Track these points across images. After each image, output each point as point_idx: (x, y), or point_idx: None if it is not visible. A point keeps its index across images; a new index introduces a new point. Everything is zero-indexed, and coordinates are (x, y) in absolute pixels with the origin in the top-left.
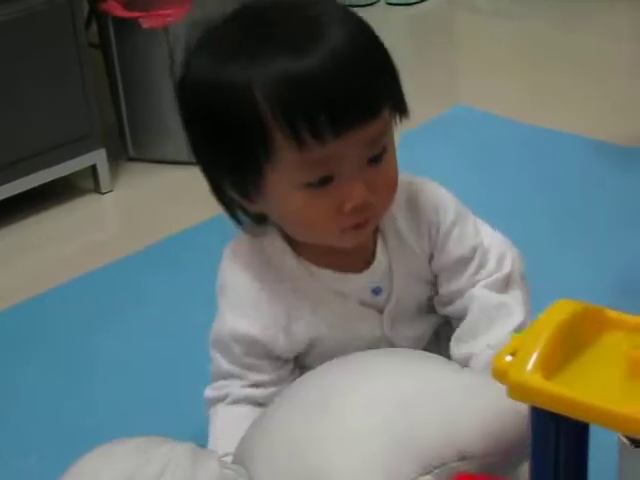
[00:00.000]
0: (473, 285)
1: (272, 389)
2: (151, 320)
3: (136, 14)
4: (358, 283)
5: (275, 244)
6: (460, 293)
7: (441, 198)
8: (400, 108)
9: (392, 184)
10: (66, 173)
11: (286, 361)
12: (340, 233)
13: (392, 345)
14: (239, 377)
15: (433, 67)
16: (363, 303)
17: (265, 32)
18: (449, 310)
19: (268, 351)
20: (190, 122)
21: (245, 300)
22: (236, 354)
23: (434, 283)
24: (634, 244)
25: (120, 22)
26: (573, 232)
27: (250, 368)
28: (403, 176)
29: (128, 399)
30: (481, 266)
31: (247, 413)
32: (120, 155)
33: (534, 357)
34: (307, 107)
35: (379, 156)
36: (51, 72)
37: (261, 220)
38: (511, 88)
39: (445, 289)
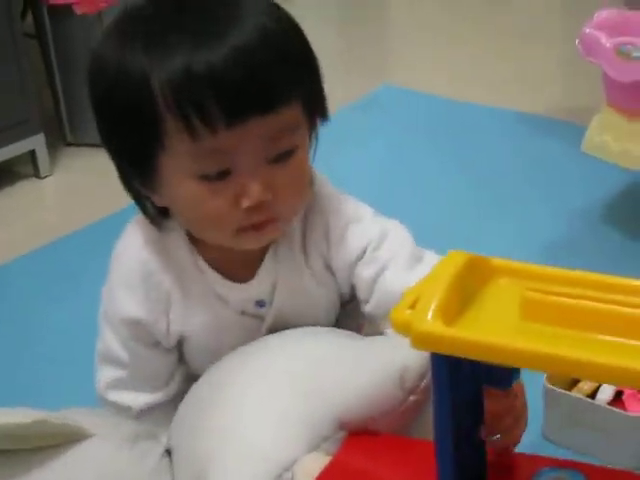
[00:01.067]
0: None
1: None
2: (90, 296)
3: (70, 1)
4: (240, 294)
5: (174, 234)
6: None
7: (329, 211)
8: (316, 107)
9: (298, 188)
10: (5, 158)
11: (168, 350)
12: (236, 233)
13: None
14: (122, 366)
15: (363, 43)
16: (244, 313)
17: (174, 19)
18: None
19: (150, 334)
20: (96, 107)
21: (136, 278)
22: (122, 335)
23: (342, 304)
24: (550, 209)
25: (55, 10)
26: (496, 202)
27: (133, 352)
28: None
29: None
30: (372, 260)
31: None
32: (58, 140)
33: (433, 306)
34: (198, 95)
35: (283, 156)
36: None
37: (166, 214)
38: (435, 64)
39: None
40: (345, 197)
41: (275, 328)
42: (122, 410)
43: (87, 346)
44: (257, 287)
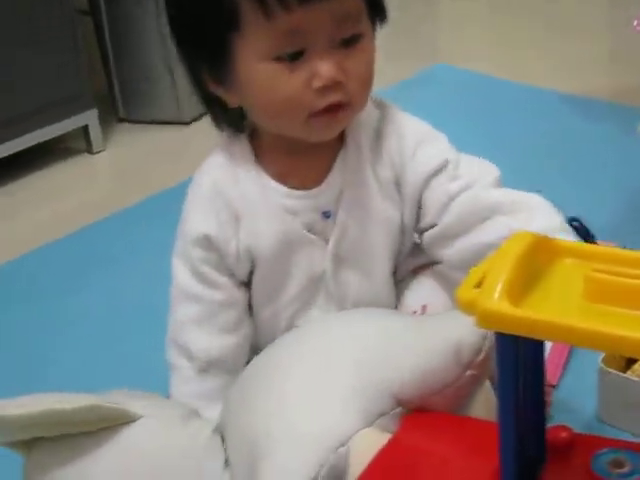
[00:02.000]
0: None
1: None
2: (144, 270)
3: None
4: (307, 202)
5: (240, 148)
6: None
7: (404, 124)
8: (376, 6)
9: (366, 74)
10: (59, 133)
11: (239, 283)
12: (308, 118)
13: (336, 291)
14: (196, 299)
15: (415, 25)
16: (311, 228)
17: None
18: (447, 252)
19: (222, 258)
20: (170, 14)
21: (206, 198)
22: (194, 259)
23: (403, 231)
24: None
25: None
26: (541, 182)
27: (206, 282)
28: (373, 101)
29: (119, 348)
30: (455, 177)
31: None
32: (111, 116)
33: (499, 286)
34: None
35: (353, 39)
36: (42, 36)
37: (238, 121)
38: (491, 45)
39: (427, 221)
40: (417, 120)
41: (338, 255)
42: (191, 357)
43: (140, 312)
44: (324, 194)
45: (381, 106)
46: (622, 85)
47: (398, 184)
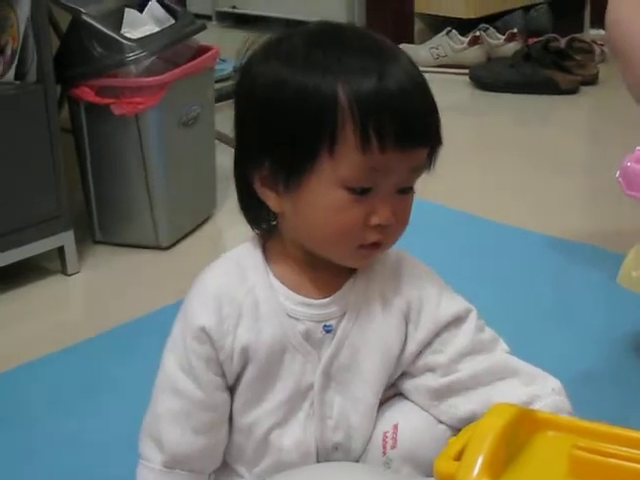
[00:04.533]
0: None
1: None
2: (115, 403)
3: (108, 100)
4: (310, 310)
5: (251, 249)
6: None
7: (423, 271)
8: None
9: (407, 221)
10: (34, 253)
11: (224, 386)
12: (356, 249)
13: (319, 409)
14: (178, 394)
15: None
16: (309, 338)
17: (340, 47)
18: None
19: (216, 352)
20: (250, 111)
21: (210, 293)
22: (188, 351)
23: (399, 363)
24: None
25: (92, 107)
26: (519, 326)
27: (192, 376)
28: None
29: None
30: (480, 329)
31: None
32: (87, 237)
33: (480, 461)
34: (381, 114)
35: (408, 190)
36: (22, 155)
37: (261, 221)
38: (469, 183)
39: (439, 359)
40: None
41: (328, 373)
42: (162, 450)
43: (99, 461)
44: (329, 308)
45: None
46: (603, 229)
47: (408, 318)
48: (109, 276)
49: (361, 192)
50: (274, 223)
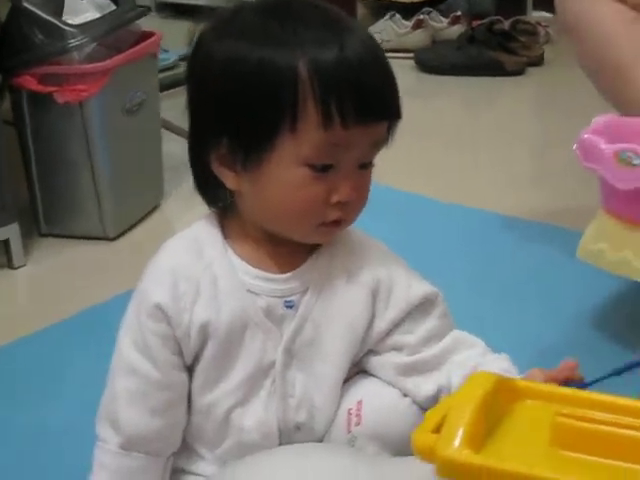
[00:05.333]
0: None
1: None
2: (68, 393)
3: (51, 88)
4: (271, 285)
5: (208, 227)
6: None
7: (386, 250)
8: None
9: (366, 197)
10: None
11: (182, 366)
12: (317, 227)
13: (281, 387)
14: (134, 373)
15: None
16: (269, 314)
17: (296, 18)
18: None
19: (173, 329)
20: (206, 89)
21: (165, 271)
22: (144, 330)
23: (365, 340)
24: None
25: (34, 96)
26: (484, 305)
27: (148, 356)
28: None
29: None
30: (445, 312)
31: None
32: (32, 230)
33: (460, 432)
34: (342, 89)
35: (368, 164)
36: None
37: (218, 200)
38: (418, 165)
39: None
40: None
41: (290, 350)
42: (118, 431)
43: (54, 455)
44: (290, 283)
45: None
46: (555, 207)
47: (377, 296)
48: (56, 268)
49: (322, 169)
50: (230, 201)
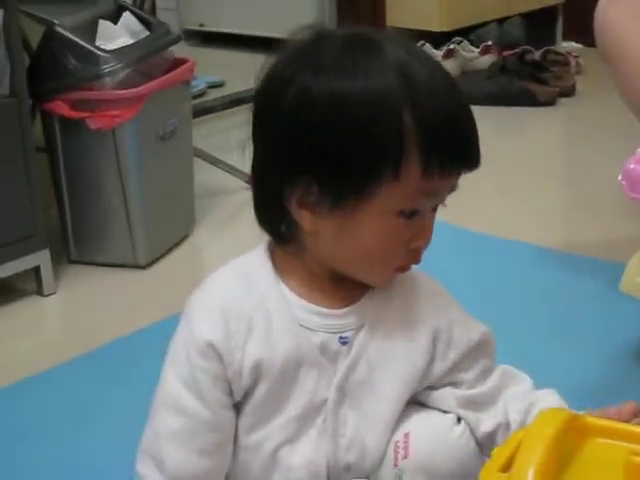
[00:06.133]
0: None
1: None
2: (99, 426)
3: (83, 114)
4: (325, 320)
5: (259, 260)
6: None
7: (440, 289)
8: None
9: (431, 238)
10: (9, 274)
11: (231, 405)
12: (393, 271)
13: (332, 426)
14: (182, 413)
15: None
16: (324, 351)
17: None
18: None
19: (224, 369)
20: (296, 126)
21: (216, 304)
22: (194, 368)
23: (422, 380)
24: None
25: (66, 122)
26: (513, 340)
27: (198, 395)
28: None
29: None
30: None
31: None
32: (62, 257)
33: (531, 472)
34: (444, 141)
35: (435, 208)
36: None
37: (287, 238)
38: (452, 196)
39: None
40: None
41: (343, 388)
42: (163, 471)
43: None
44: (346, 318)
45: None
46: (594, 238)
47: (438, 338)
48: (86, 296)
49: (409, 215)
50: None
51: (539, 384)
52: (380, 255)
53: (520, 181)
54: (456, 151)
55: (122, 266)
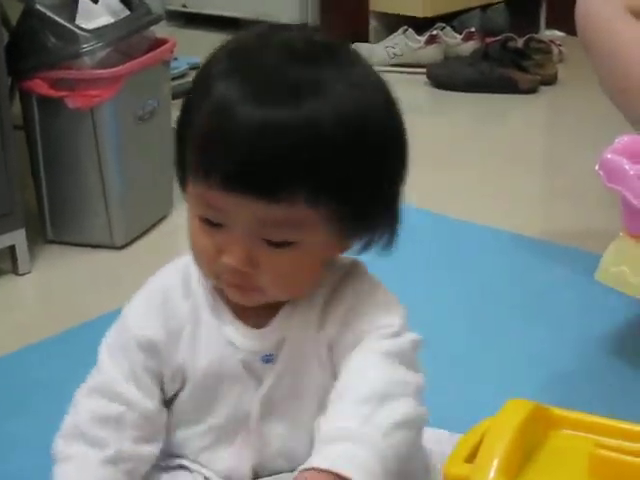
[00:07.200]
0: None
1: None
2: (64, 408)
3: (62, 93)
4: (250, 341)
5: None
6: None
7: (365, 291)
8: (355, 219)
9: (287, 276)
10: None
11: (164, 400)
12: (218, 279)
13: (257, 438)
14: (124, 402)
15: None
16: (248, 368)
17: (246, 68)
18: None
19: (161, 368)
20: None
21: (157, 300)
22: (136, 363)
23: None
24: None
25: (45, 101)
26: (489, 326)
27: (141, 388)
28: (344, 261)
29: None
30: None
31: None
32: (38, 236)
33: (495, 462)
34: (214, 147)
35: (283, 244)
36: None
37: None
38: (429, 182)
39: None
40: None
41: (269, 401)
42: (102, 448)
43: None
44: (266, 338)
45: (349, 267)
46: (570, 227)
47: (331, 347)
48: (62, 276)
49: (213, 225)
50: None
51: (514, 370)
52: (197, 256)
53: (499, 168)
54: (228, 167)
55: (98, 246)
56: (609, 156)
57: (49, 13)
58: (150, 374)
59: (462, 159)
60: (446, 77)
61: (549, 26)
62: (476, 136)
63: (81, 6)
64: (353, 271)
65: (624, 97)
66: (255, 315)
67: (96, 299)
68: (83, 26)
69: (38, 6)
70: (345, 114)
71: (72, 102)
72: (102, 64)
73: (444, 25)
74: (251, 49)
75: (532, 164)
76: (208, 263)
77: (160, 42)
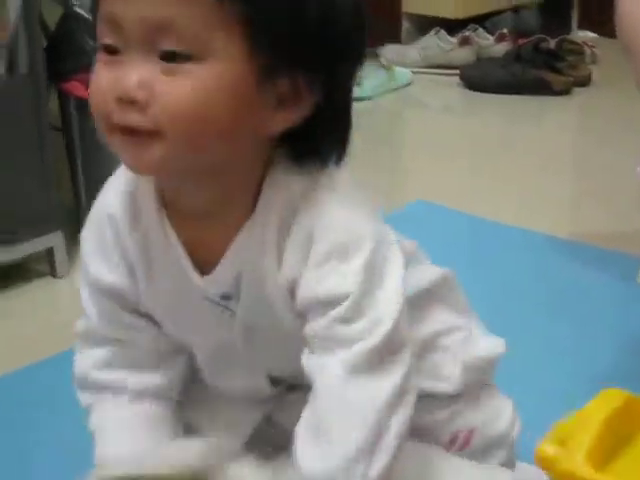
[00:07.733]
0: (327, 347)
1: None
2: None
3: None
4: (203, 283)
5: (144, 186)
6: (310, 344)
7: (324, 219)
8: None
9: (184, 104)
10: (22, 255)
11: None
12: (108, 130)
13: (251, 359)
14: (120, 344)
15: (384, 164)
16: (212, 304)
17: None
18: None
19: (134, 305)
20: None
21: (107, 240)
22: (109, 311)
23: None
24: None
25: (82, 102)
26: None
27: (123, 328)
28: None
29: None
30: (344, 320)
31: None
32: (76, 239)
33: (584, 447)
34: None
35: (173, 57)
36: (9, 152)
37: None
38: (461, 183)
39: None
40: (358, 205)
41: (247, 326)
42: (115, 391)
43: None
44: (220, 279)
45: (309, 180)
46: (608, 229)
47: (292, 288)
48: None
49: (109, 51)
50: None
51: (556, 373)
52: (93, 98)
53: (534, 170)
54: None
55: None
56: None
57: (87, 15)
58: (128, 309)
59: (494, 160)
60: (478, 78)
61: (581, 27)
62: (509, 138)
63: None
64: (324, 182)
65: None
66: (208, 253)
67: None
68: None
69: (77, 9)
70: None
71: None
72: None
73: (476, 26)
74: None
75: (565, 166)
76: (104, 102)
77: None
